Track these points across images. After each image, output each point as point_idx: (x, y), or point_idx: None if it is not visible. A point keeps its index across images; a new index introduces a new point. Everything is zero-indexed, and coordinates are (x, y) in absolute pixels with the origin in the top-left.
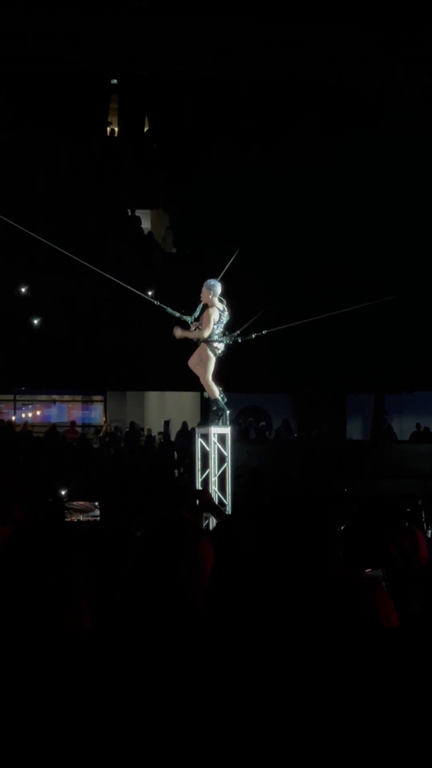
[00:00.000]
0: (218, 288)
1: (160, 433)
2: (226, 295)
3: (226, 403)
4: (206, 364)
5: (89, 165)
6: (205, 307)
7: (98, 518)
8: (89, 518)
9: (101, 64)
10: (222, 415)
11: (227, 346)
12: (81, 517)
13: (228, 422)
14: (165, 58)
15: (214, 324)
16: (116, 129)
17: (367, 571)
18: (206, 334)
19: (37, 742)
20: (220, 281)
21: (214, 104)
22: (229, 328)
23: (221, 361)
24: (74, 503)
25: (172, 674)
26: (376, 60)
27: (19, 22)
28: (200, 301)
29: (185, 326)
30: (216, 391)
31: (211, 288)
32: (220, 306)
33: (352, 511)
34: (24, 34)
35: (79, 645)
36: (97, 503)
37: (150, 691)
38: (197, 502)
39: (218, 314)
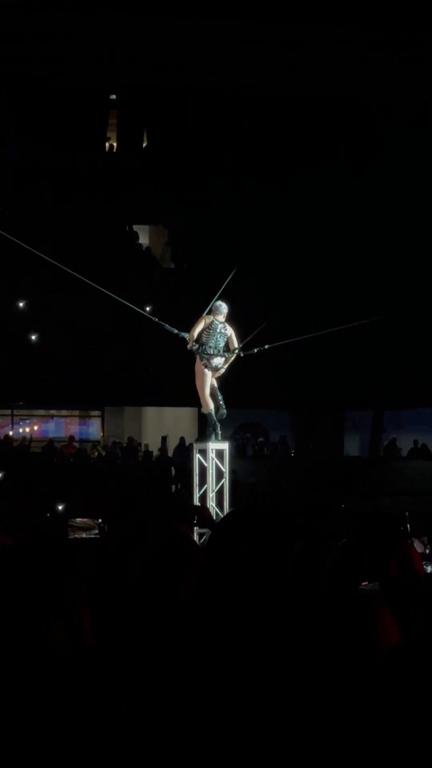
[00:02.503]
0: (222, 308)
1: (159, 450)
2: (230, 307)
3: (224, 418)
4: (200, 378)
5: (87, 181)
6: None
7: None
8: (91, 536)
9: (100, 69)
10: (214, 430)
11: (225, 360)
12: (84, 535)
13: (220, 437)
14: (163, 61)
15: (204, 328)
16: (115, 144)
17: (363, 584)
18: (197, 330)
19: (38, 753)
20: (224, 302)
21: (213, 119)
22: (227, 344)
23: (223, 377)
24: (76, 520)
25: (172, 685)
26: (376, 60)
27: (18, 23)
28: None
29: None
30: (209, 406)
31: (215, 307)
32: (219, 322)
33: (350, 526)
34: (23, 35)
35: (73, 659)
36: (99, 521)
37: (149, 703)
38: (196, 518)
39: (210, 323)
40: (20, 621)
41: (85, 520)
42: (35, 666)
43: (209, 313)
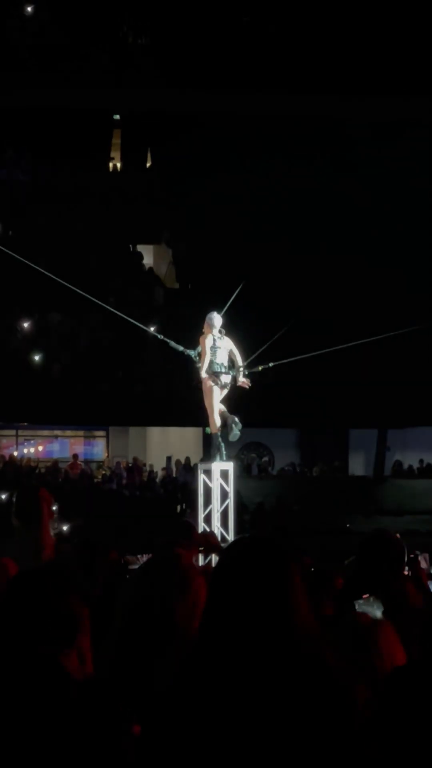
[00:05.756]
0: (215, 320)
1: (163, 469)
2: (230, 328)
3: (228, 437)
4: (209, 396)
5: (91, 200)
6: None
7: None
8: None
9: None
10: (219, 450)
11: (233, 379)
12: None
13: (224, 457)
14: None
15: (210, 350)
16: (119, 164)
17: (364, 596)
18: (206, 362)
19: None
20: (220, 315)
21: (217, 139)
22: (234, 361)
23: (230, 392)
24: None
25: (164, 709)
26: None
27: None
28: (203, 334)
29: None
30: (216, 425)
31: (208, 320)
32: (218, 334)
33: (355, 545)
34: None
35: (81, 686)
36: (144, 556)
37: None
38: (202, 546)
39: (212, 340)
40: (40, 649)
41: (131, 557)
42: (58, 695)
43: (204, 330)
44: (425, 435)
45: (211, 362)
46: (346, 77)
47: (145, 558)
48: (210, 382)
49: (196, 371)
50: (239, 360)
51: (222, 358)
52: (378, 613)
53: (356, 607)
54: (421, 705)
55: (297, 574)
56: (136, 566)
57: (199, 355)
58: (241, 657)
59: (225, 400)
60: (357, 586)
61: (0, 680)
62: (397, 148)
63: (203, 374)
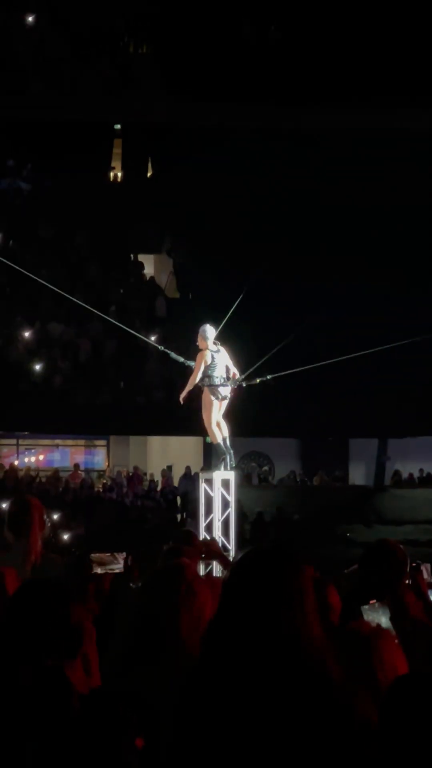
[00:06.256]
0: (208, 332)
1: (163, 477)
2: (229, 340)
3: (226, 448)
4: (209, 409)
5: (92, 210)
6: (199, 351)
7: (120, 570)
8: (108, 570)
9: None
10: (225, 459)
11: (232, 390)
12: (99, 570)
13: (231, 466)
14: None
15: (206, 367)
16: (120, 174)
17: (372, 602)
18: (198, 377)
19: None
20: (217, 326)
21: (217, 149)
22: (229, 371)
23: (230, 402)
24: (93, 555)
25: (170, 721)
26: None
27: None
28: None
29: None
30: (218, 436)
31: (201, 333)
32: (214, 348)
33: (357, 554)
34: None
35: (85, 698)
36: (123, 554)
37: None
38: (203, 552)
39: (210, 357)
40: (44, 661)
41: (102, 555)
42: (62, 708)
43: (199, 344)
44: (426, 444)
45: (210, 377)
46: (347, 89)
47: (121, 557)
48: (210, 396)
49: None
50: (236, 372)
51: (220, 371)
52: (384, 619)
53: (363, 613)
54: (424, 715)
55: (311, 584)
56: (116, 565)
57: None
58: (250, 666)
59: (227, 412)
60: (361, 594)
61: (3, 692)
62: (397, 158)
63: (191, 388)
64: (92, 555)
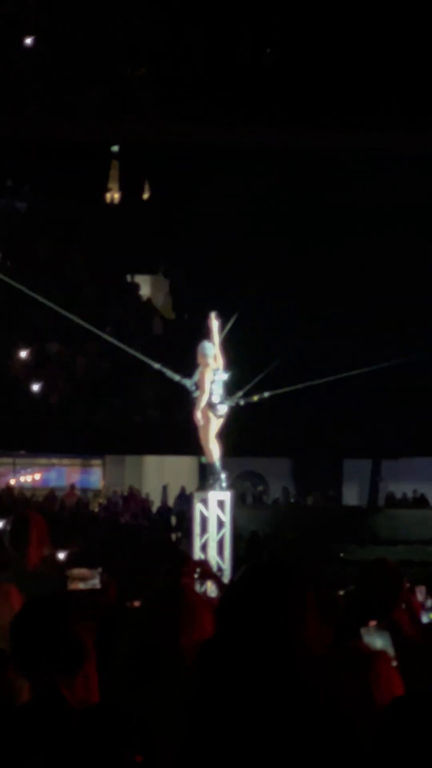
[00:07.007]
0: (208, 350)
1: (145, 493)
2: (230, 355)
3: (221, 468)
4: (207, 427)
5: (89, 231)
6: (201, 369)
7: (98, 586)
8: (89, 586)
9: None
10: (217, 479)
11: (230, 408)
12: (81, 585)
13: (224, 487)
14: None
15: (211, 385)
16: (116, 195)
17: (371, 623)
18: (204, 399)
19: None
20: (213, 344)
21: (214, 171)
22: (230, 388)
23: (224, 423)
24: (74, 571)
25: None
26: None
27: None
28: (198, 364)
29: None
30: (214, 455)
31: (200, 350)
32: (214, 365)
33: (349, 574)
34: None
35: (83, 715)
36: (99, 570)
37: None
38: (197, 571)
39: (213, 374)
40: (43, 677)
41: (83, 570)
42: (59, 724)
43: (200, 362)
44: (419, 465)
45: (212, 395)
46: (342, 110)
47: (98, 572)
48: (209, 414)
49: (192, 401)
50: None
51: (220, 389)
52: (378, 642)
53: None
54: (421, 733)
55: (311, 601)
56: (94, 581)
57: (196, 385)
58: (249, 679)
59: (222, 431)
60: (357, 614)
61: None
62: (393, 181)
63: (202, 407)
64: (73, 571)
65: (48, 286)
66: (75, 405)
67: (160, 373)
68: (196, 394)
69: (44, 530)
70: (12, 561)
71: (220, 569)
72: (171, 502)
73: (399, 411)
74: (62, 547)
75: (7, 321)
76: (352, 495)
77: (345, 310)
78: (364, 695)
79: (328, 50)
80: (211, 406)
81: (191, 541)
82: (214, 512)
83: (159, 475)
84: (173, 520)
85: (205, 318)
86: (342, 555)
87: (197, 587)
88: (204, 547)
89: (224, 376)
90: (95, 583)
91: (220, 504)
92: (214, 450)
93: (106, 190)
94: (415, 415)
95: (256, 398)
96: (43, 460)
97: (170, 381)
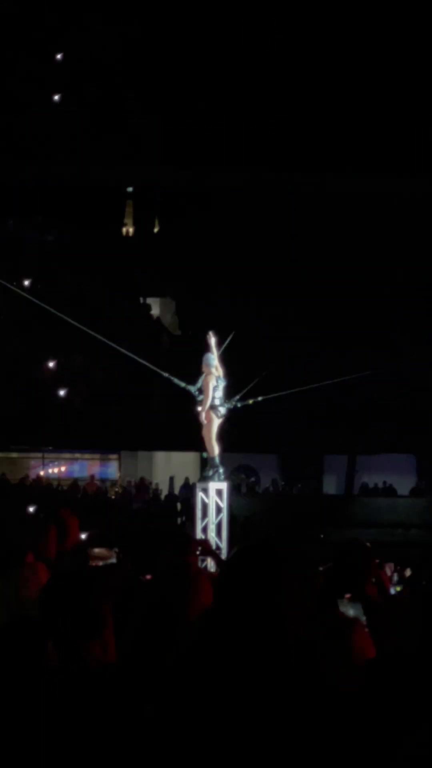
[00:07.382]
0: (211, 360)
1: (154, 483)
2: (228, 365)
3: (219, 462)
4: (210, 426)
5: (108, 260)
6: (205, 376)
7: (114, 563)
8: (107, 563)
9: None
10: (216, 472)
11: (228, 410)
12: (100, 563)
13: (222, 478)
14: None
15: (213, 390)
16: (131, 230)
17: (346, 596)
18: (208, 402)
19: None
20: (215, 355)
21: (216, 208)
22: (228, 393)
23: (223, 422)
24: (94, 550)
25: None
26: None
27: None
28: (202, 373)
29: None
30: (216, 450)
31: (205, 361)
32: (216, 373)
33: (328, 552)
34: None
35: (105, 673)
36: (116, 549)
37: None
38: (199, 548)
39: (215, 381)
40: (67, 641)
41: (102, 550)
42: (77, 680)
43: (204, 371)
44: (388, 460)
45: (215, 398)
46: (343, 152)
47: (114, 552)
48: (212, 415)
49: (196, 404)
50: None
51: (222, 394)
52: (352, 612)
53: (339, 605)
54: (394, 687)
55: (291, 574)
56: (112, 560)
57: (200, 390)
58: (243, 645)
59: (221, 430)
60: (335, 587)
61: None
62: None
63: (206, 409)
64: (94, 550)
65: (72, 306)
66: (95, 408)
67: (168, 380)
68: (200, 398)
69: (67, 524)
70: (40, 547)
71: (218, 548)
72: (177, 491)
73: (371, 414)
74: (84, 530)
75: (36, 336)
76: (331, 485)
77: (323, 331)
78: (343, 655)
79: (334, 94)
80: (213, 408)
81: (194, 525)
82: (214, 500)
83: (167, 467)
84: (179, 506)
85: (205, 334)
86: (322, 536)
87: (199, 563)
88: (204, 530)
89: (224, 382)
90: (112, 560)
91: (219, 493)
92: (215, 446)
93: (122, 224)
94: (386, 417)
95: (250, 401)
96: (68, 455)
97: (177, 387)
